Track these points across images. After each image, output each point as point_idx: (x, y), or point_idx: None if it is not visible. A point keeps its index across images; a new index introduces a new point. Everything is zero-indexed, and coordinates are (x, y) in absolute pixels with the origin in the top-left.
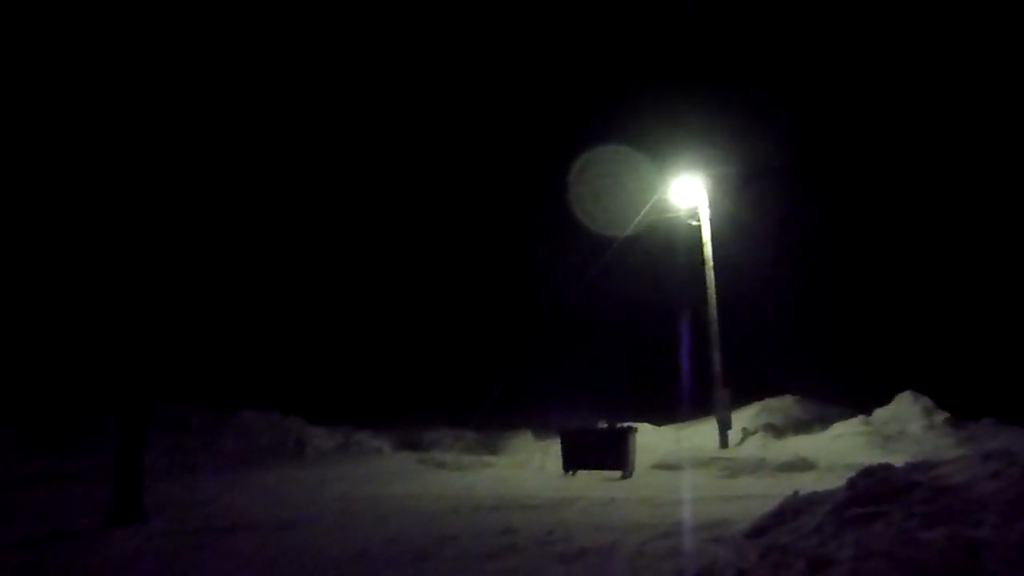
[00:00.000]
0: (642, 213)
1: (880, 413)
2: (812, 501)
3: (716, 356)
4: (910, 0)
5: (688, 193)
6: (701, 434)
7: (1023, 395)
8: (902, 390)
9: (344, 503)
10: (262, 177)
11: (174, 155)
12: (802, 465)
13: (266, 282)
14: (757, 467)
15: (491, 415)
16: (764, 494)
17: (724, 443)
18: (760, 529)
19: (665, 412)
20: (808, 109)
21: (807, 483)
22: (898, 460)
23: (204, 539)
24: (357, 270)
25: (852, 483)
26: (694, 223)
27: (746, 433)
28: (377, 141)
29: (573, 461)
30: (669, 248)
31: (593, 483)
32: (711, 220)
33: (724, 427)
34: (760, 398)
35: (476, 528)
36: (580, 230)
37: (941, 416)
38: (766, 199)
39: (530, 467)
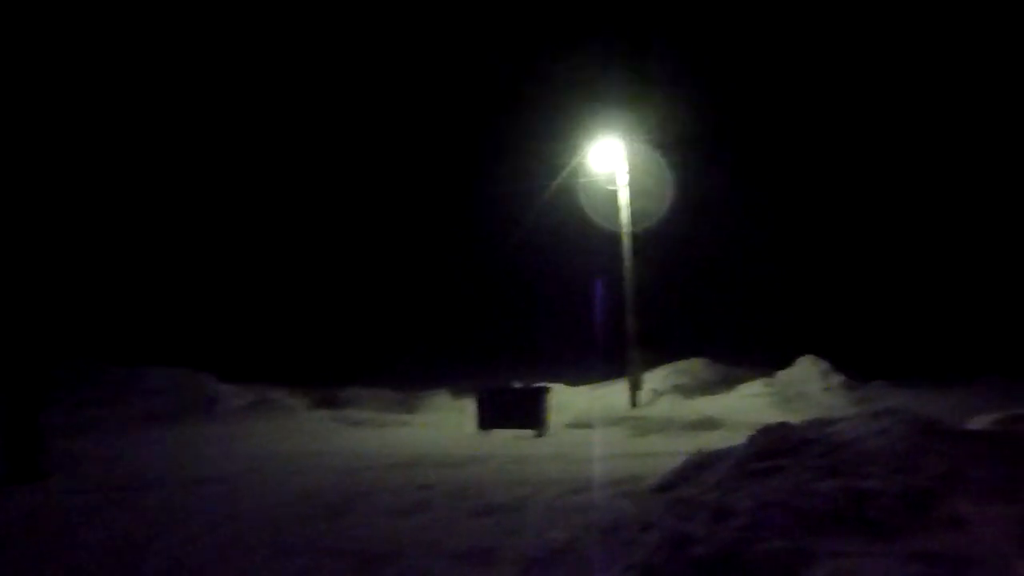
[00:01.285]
0: (560, 176)
1: (782, 375)
2: (716, 457)
3: (630, 319)
4: None
5: (607, 157)
6: (614, 394)
7: (910, 360)
8: (803, 354)
9: (256, 460)
10: (175, 121)
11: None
12: (708, 424)
13: (179, 237)
14: (666, 426)
15: (409, 374)
16: (672, 451)
17: (635, 403)
18: (667, 484)
19: (580, 373)
20: (725, 79)
21: (712, 441)
22: (797, 419)
23: (108, 496)
24: (274, 228)
25: (753, 440)
26: (612, 187)
27: (656, 393)
28: (291, 91)
29: (489, 420)
30: (587, 211)
31: (508, 441)
32: (628, 185)
33: (635, 388)
34: (670, 360)
35: (390, 484)
36: (500, 192)
37: (838, 378)
38: (682, 166)
39: (446, 425)
